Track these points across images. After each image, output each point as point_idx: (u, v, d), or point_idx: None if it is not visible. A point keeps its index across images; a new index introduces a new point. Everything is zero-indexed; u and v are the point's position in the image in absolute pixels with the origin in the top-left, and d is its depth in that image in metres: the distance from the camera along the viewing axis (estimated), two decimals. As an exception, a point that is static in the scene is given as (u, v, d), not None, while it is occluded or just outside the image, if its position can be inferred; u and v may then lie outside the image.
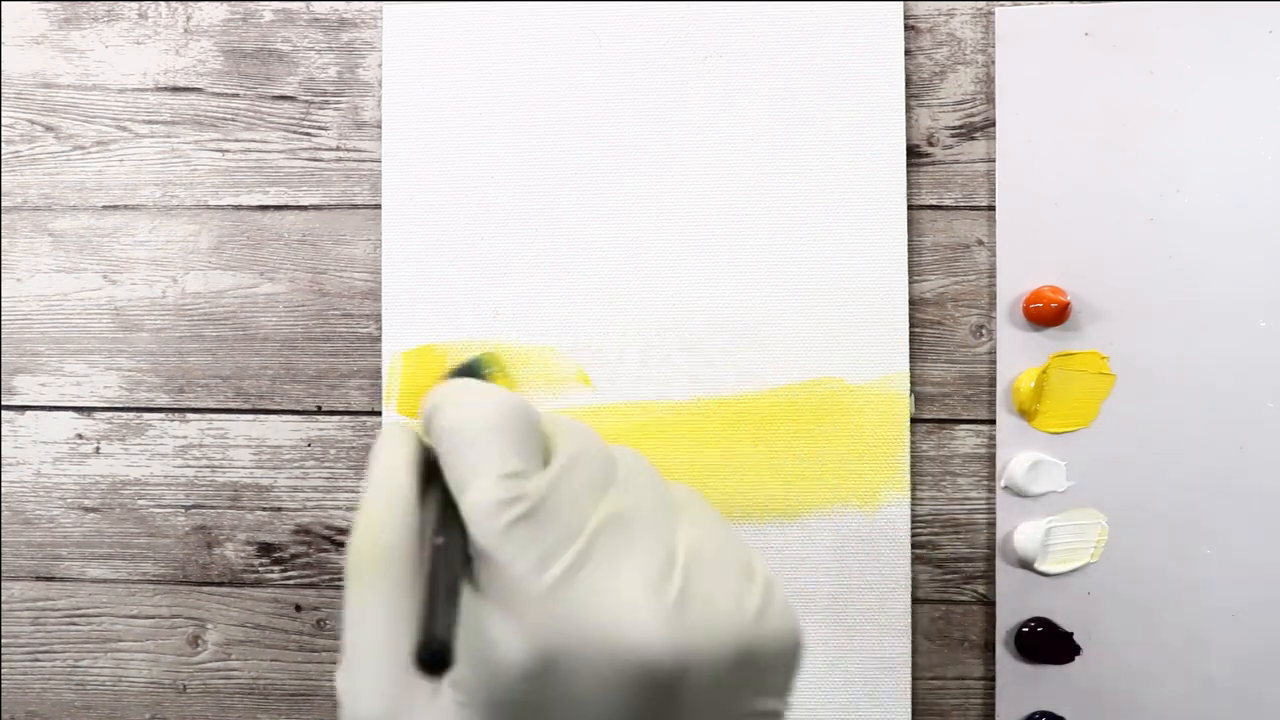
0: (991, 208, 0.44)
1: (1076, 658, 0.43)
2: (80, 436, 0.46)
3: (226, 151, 0.46)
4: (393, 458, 0.20)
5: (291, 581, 0.45)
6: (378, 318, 0.45)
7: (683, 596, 0.18)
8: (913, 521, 0.44)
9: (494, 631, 0.17)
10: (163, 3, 0.46)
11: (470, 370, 0.37)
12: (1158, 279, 0.43)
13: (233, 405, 0.46)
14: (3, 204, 0.46)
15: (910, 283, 0.44)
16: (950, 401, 0.44)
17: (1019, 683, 0.43)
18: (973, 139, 0.44)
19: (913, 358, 0.44)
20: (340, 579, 0.45)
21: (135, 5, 0.46)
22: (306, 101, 0.46)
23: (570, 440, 0.20)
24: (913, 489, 0.44)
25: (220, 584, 0.46)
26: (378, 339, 0.45)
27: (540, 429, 0.20)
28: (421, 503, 0.20)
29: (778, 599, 0.19)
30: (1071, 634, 0.43)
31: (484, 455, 0.19)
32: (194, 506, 0.46)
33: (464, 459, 0.19)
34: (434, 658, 0.16)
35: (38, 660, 0.46)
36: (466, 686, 0.18)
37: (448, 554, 0.18)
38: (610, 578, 0.18)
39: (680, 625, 0.17)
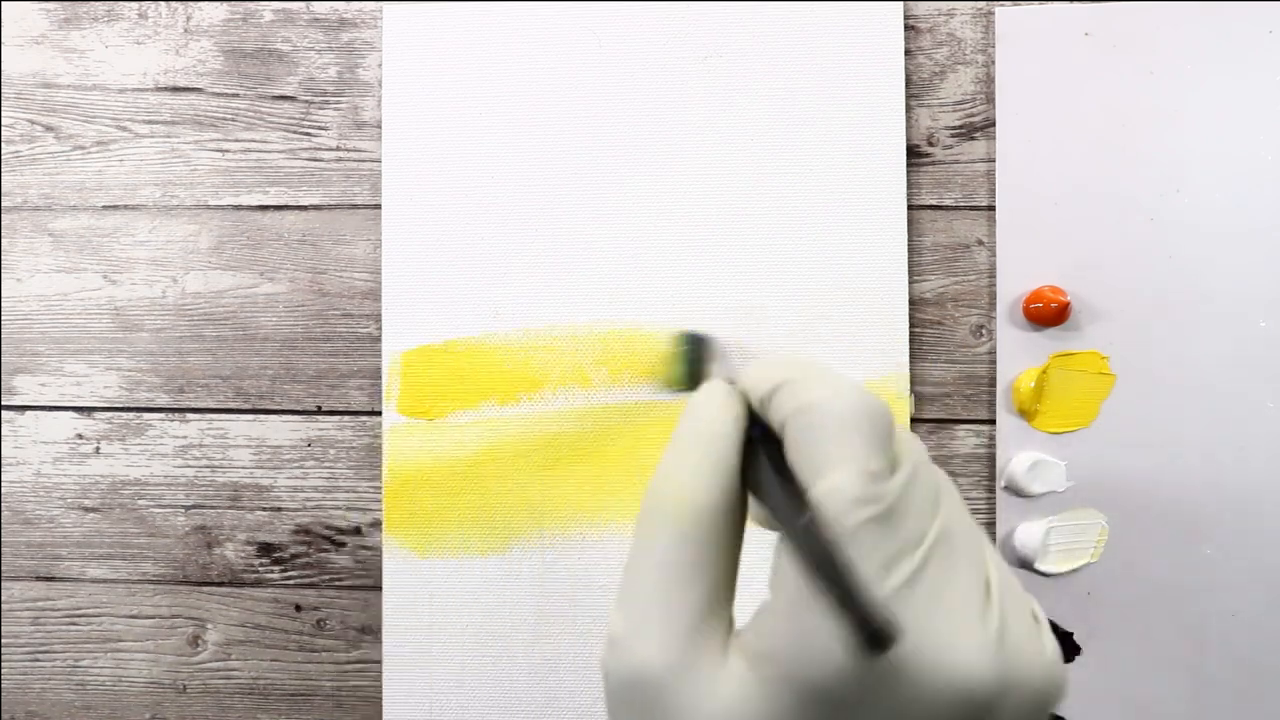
0: (991, 208, 0.44)
1: (1076, 658, 0.43)
2: (80, 436, 0.46)
3: (226, 151, 0.46)
4: (721, 414, 0.20)
5: (291, 581, 0.45)
6: (378, 318, 0.45)
7: (1002, 628, 0.18)
8: (913, 521, 0.44)
9: (828, 621, 0.17)
10: (163, 3, 0.46)
11: (697, 345, 0.37)
12: (1158, 279, 0.43)
13: (233, 405, 0.46)
14: (3, 204, 0.46)
15: (910, 283, 0.44)
16: (950, 401, 0.44)
17: (1019, 683, 0.43)
18: (973, 139, 0.44)
19: (913, 358, 0.44)
20: (340, 579, 0.45)
21: (135, 5, 0.46)
22: (306, 101, 0.46)
23: (913, 447, 0.20)
24: (913, 489, 0.44)
25: (220, 584, 0.46)
26: (378, 339, 0.45)
27: (894, 431, 0.20)
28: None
29: (1058, 649, 0.19)
30: (1071, 634, 0.43)
31: (850, 445, 0.18)
32: (194, 506, 0.46)
33: (826, 444, 0.18)
34: (886, 637, 0.16)
35: (38, 660, 0.46)
36: (781, 662, 0.18)
37: (818, 531, 0.17)
38: (943, 594, 0.18)
39: (1003, 657, 0.17)
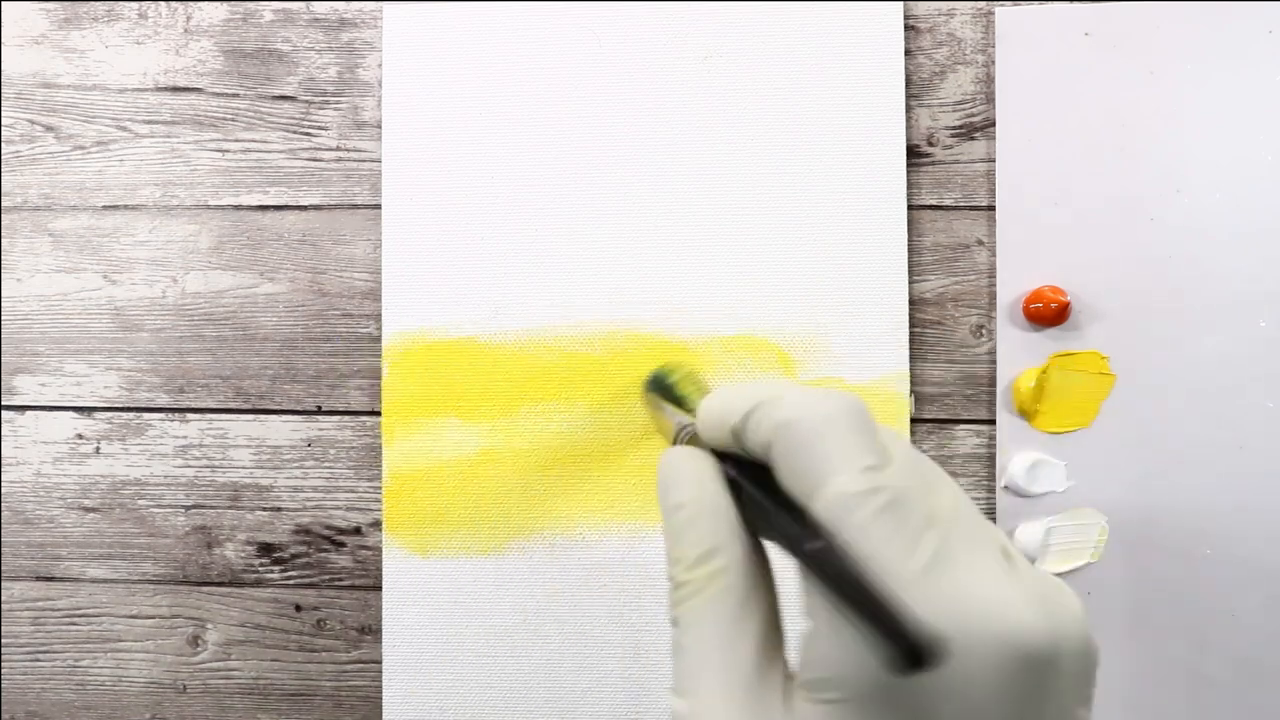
0: (991, 208, 0.44)
1: (1076, 658, 0.43)
2: (80, 436, 0.46)
3: (226, 151, 0.46)
4: (696, 476, 0.20)
5: (291, 581, 0.45)
6: (378, 318, 0.45)
7: (1038, 587, 0.18)
8: (913, 521, 0.44)
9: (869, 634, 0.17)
10: (163, 3, 0.46)
11: (660, 382, 0.38)
12: (1158, 279, 0.43)
13: (233, 405, 0.46)
14: (3, 204, 0.46)
15: (910, 283, 0.44)
16: (950, 401, 0.44)
17: (1019, 683, 0.43)
18: (973, 139, 0.44)
19: (913, 358, 0.44)
20: (340, 579, 0.45)
21: (135, 5, 0.46)
22: (306, 101, 0.46)
23: (895, 435, 0.20)
24: (913, 489, 0.44)
25: (220, 584, 0.46)
26: (378, 339, 0.45)
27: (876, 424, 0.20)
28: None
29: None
30: (1071, 634, 0.43)
31: (841, 448, 0.18)
32: (194, 506, 0.46)
33: (817, 453, 0.18)
34: (925, 652, 0.15)
35: (38, 660, 0.46)
36: (838, 685, 0.17)
37: (831, 554, 0.17)
38: (973, 565, 0.17)
39: (1048, 612, 0.17)
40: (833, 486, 0.18)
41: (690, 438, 0.27)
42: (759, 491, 0.19)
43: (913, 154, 0.44)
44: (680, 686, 0.19)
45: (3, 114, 0.46)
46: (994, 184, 0.44)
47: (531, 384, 0.44)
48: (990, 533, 0.19)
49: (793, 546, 0.18)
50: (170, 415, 0.46)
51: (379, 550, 0.45)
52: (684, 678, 0.19)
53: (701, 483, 0.20)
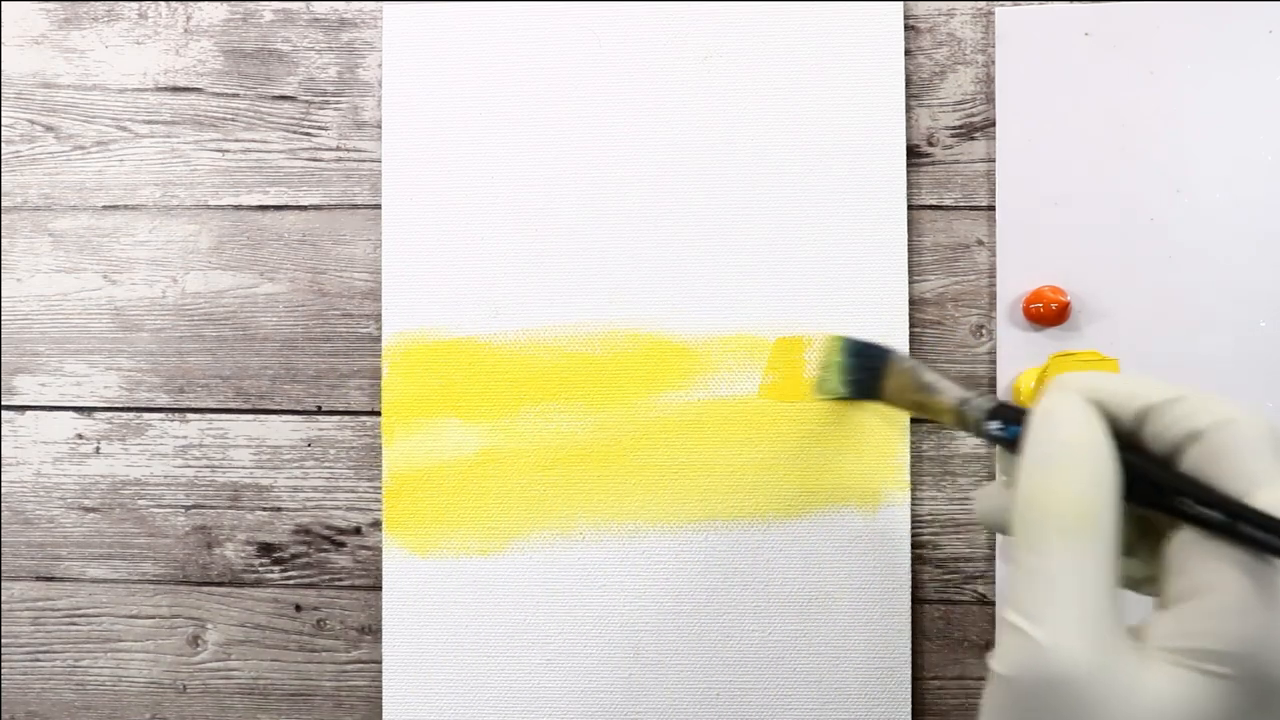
0: (991, 208, 0.44)
1: (1076, 658, 0.43)
2: (80, 436, 0.46)
3: (226, 151, 0.46)
4: (1090, 429, 0.21)
5: (291, 581, 0.45)
6: (378, 318, 0.45)
7: None
8: (913, 521, 0.44)
9: None
10: (163, 3, 0.46)
11: (865, 357, 0.38)
12: (1158, 279, 0.43)
13: (233, 405, 0.46)
14: (3, 204, 0.46)
15: (910, 283, 0.44)
16: (950, 401, 0.44)
17: (1019, 683, 0.43)
18: (973, 139, 0.44)
19: (913, 358, 0.44)
20: (340, 579, 0.45)
21: (135, 5, 0.46)
22: (306, 101, 0.46)
23: None
24: (913, 489, 0.44)
25: (220, 584, 0.46)
26: (378, 339, 0.45)
27: None
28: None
29: None
30: (1071, 634, 0.43)
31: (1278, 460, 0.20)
32: (194, 506, 0.46)
33: (1259, 457, 0.20)
34: None
35: (38, 660, 0.46)
36: (1240, 661, 0.18)
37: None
38: None
39: None
40: (1274, 493, 0.19)
41: (982, 416, 0.27)
42: (1154, 466, 0.21)
43: (913, 154, 0.44)
44: (1028, 611, 0.20)
45: (3, 114, 0.46)
46: (994, 184, 0.44)
47: (531, 384, 0.44)
48: None
49: (1227, 523, 0.19)
50: (170, 415, 0.46)
51: (379, 550, 0.45)
52: (1041, 604, 0.19)
53: (1093, 435, 0.21)
